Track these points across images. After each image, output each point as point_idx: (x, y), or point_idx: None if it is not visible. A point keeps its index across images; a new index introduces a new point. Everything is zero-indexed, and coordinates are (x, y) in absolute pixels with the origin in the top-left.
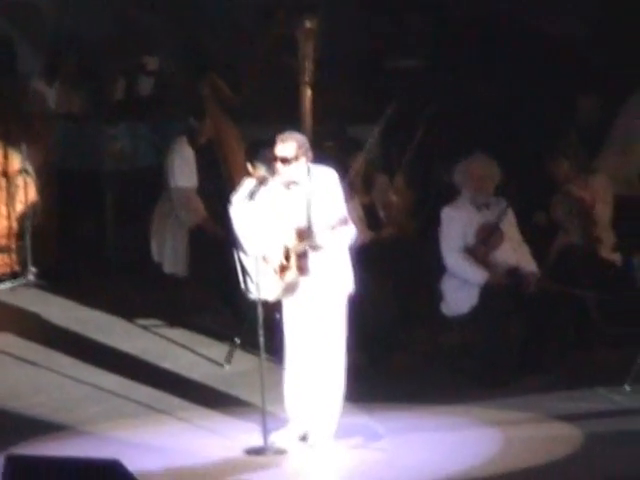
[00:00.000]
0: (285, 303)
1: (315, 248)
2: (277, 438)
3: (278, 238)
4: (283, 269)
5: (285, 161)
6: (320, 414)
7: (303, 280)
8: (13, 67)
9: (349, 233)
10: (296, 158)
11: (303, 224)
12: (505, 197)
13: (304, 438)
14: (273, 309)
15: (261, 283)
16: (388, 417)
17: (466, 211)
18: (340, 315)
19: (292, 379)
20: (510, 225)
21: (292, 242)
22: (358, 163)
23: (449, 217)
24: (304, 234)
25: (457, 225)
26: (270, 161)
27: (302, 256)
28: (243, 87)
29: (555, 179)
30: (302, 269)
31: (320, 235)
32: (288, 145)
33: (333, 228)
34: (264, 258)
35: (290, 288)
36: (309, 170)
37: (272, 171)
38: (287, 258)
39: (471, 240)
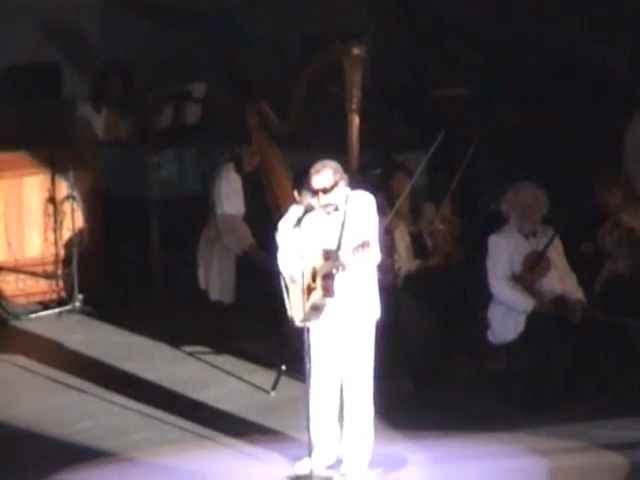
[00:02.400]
0: (312, 328)
1: (339, 268)
2: (301, 466)
3: (308, 259)
4: (310, 290)
5: (325, 191)
6: (352, 442)
7: (329, 303)
8: (60, 93)
9: (372, 256)
10: (335, 184)
11: (333, 246)
12: (552, 226)
13: (332, 466)
14: None
15: (289, 304)
16: (432, 445)
17: (513, 239)
18: (368, 341)
19: (318, 405)
20: (557, 253)
21: (319, 263)
22: (405, 191)
23: (496, 245)
24: (331, 255)
25: (504, 253)
26: (311, 193)
27: (327, 277)
28: (289, 114)
29: (606, 208)
30: (327, 290)
31: (343, 255)
32: (324, 175)
33: (356, 249)
34: (292, 279)
35: (315, 309)
36: (347, 195)
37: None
38: (314, 279)
39: (518, 268)
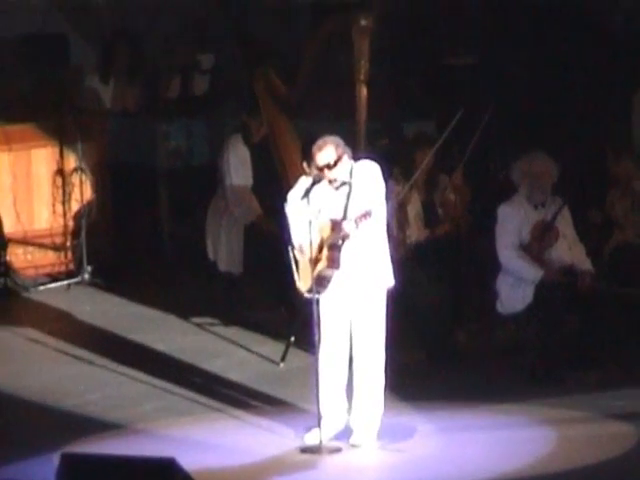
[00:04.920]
0: (321, 299)
1: (344, 238)
2: (311, 437)
3: (317, 230)
4: (316, 261)
5: (330, 167)
6: (361, 412)
7: (337, 274)
8: (68, 63)
9: (378, 224)
10: (339, 159)
11: (339, 216)
12: (561, 195)
13: (340, 437)
14: None
15: (298, 275)
16: (441, 415)
17: (522, 209)
18: (379, 310)
19: (327, 376)
20: (566, 223)
21: (327, 234)
22: (425, 161)
23: (505, 214)
24: (337, 226)
25: (513, 222)
26: (316, 170)
27: (333, 248)
28: (297, 83)
29: (616, 177)
30: (332, 261)
31: (347, 225)
32: (327, 151)
33: (358, 219)
34: (300, 249)
35: (321, 280)
36: (352, 167)
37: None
38: (321, 250)
39: (526, 238)
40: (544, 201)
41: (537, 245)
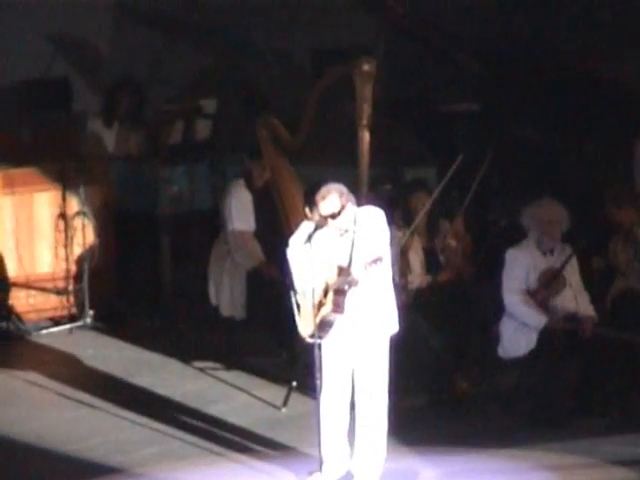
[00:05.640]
0: (323, 344)
1: (351, 284)
2: None
3: (321, 275)
4: (320, 305)
5: (334, 216)
6: (363, 457)
7: (340, 319)
8: (70, 108)
9: (384, 269)
10: (343, 208)
11: (344, 262)
12: (570, 244)
13: None
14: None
15: (300, 319)
16: (444, 460)
17: (531, 254)
18: (382, 356)
19: (329, 421)
20: (573, 272)
21: (332, 279)
22: (424, 209)
23: (513, 258)
24: (344, 271)
25: (520, 267)
26: (320, 219)
27: (339, 293)
28: (300, 129)
29: (618, 224)
30: (337, 305)
31: (355, 271)
32: (330, 200)
33: (369, 264)
34: (303, 293)
35: (324, 325)
36: (355, 215)
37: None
38: (326, 294)
39: (533, 284)
40: (553, 248)
41: (543, 292)
